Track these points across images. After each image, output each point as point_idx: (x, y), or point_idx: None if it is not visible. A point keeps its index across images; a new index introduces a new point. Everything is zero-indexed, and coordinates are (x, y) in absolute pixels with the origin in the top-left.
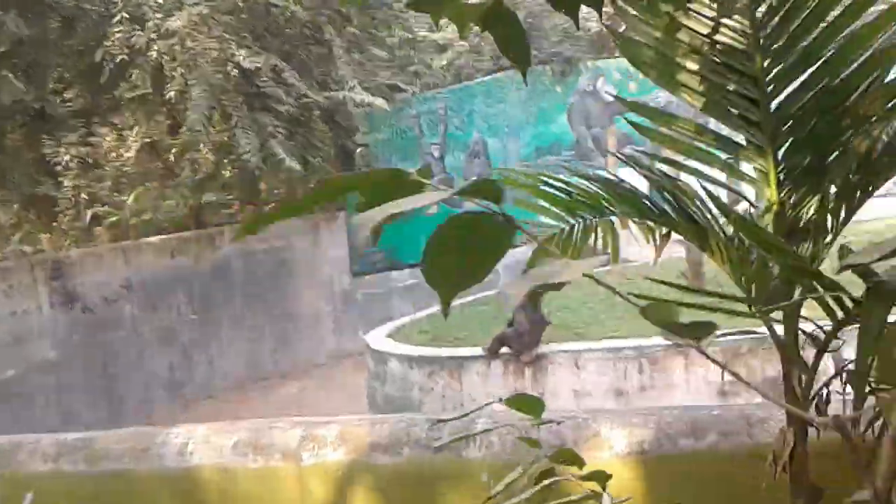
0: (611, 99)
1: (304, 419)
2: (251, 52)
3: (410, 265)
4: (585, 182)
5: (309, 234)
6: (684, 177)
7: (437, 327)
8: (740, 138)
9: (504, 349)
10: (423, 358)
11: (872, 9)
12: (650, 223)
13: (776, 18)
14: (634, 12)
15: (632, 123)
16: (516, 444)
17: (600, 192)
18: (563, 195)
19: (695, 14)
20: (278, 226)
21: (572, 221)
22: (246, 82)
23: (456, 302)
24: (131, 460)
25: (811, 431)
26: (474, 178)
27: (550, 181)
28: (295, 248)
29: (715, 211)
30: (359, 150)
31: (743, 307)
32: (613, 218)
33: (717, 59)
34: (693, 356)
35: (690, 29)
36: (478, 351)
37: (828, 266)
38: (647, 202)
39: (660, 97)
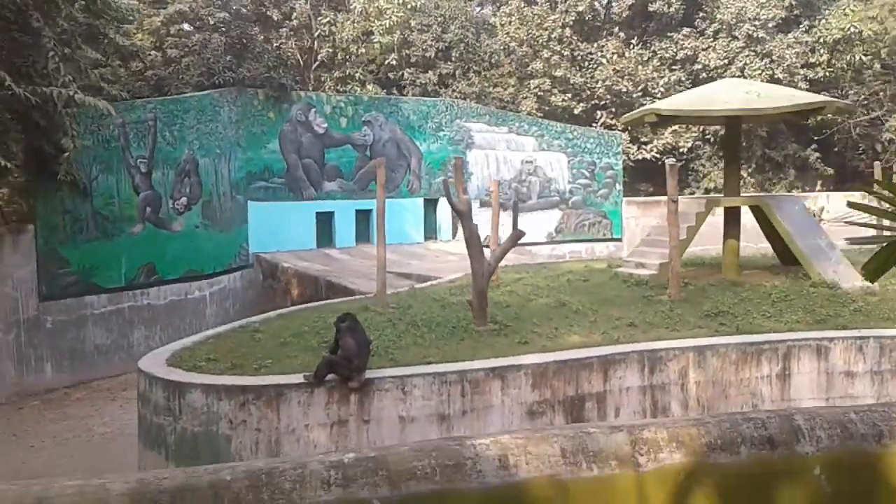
0: (322, 131)
1: (617, 423)
2: None
3: (109, 290)
4: None
5: None
6: None
7: (226, 355)
8: None
9: (330, 375)
10: (236, 387)
11: None
12: None
13: None
14: None
15: None
16: (845, 438)
17: None
18: None
19: None
20: None
21: None
22: None
23: (225, 327)
24: (443, 479)
25: None
26: (184, 198)
27: None
28: None
29: None
30: (65, 155)
31: None
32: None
33: None
34: (509, 379)
35: None
36: (297, 378)
37: None
38: None
39: (367, 133)
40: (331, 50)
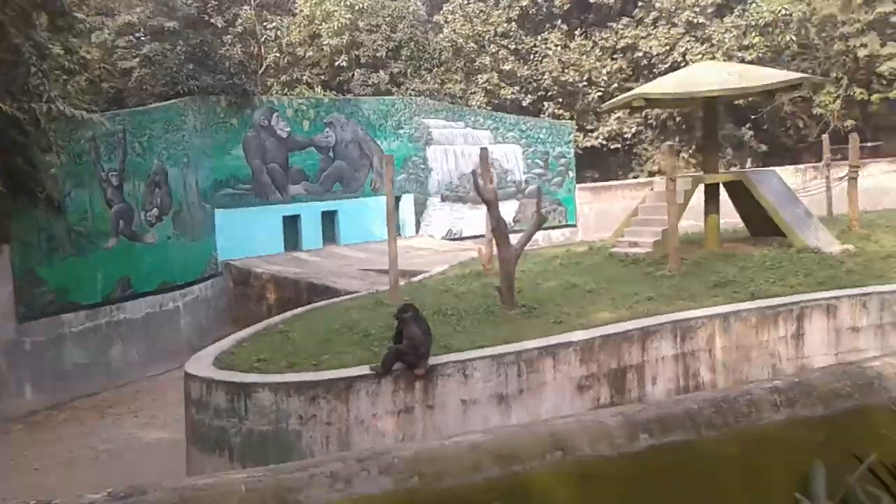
0: (285, 135)
1: None
2: None
3: (88, 307)
4: None
5: None
6: None
7: (274, 355)
8: None
9: (397, 364)
10: (306, 383)
11: None
12: None
13: None
14: None
15: None
16: None
17: None
18: None
19: None
20: None
21: None
22: None
23: (248, 331)
24: (861, 396)
25: None
26: (155, 209)
27: None
28: None
29: None
30: (51, 172)
31: None
32: None
33: None
34: (560, 356)
35: None
36: (364, 370)
37: None
38: None
39: (330, 135)
40: (278, 55)
